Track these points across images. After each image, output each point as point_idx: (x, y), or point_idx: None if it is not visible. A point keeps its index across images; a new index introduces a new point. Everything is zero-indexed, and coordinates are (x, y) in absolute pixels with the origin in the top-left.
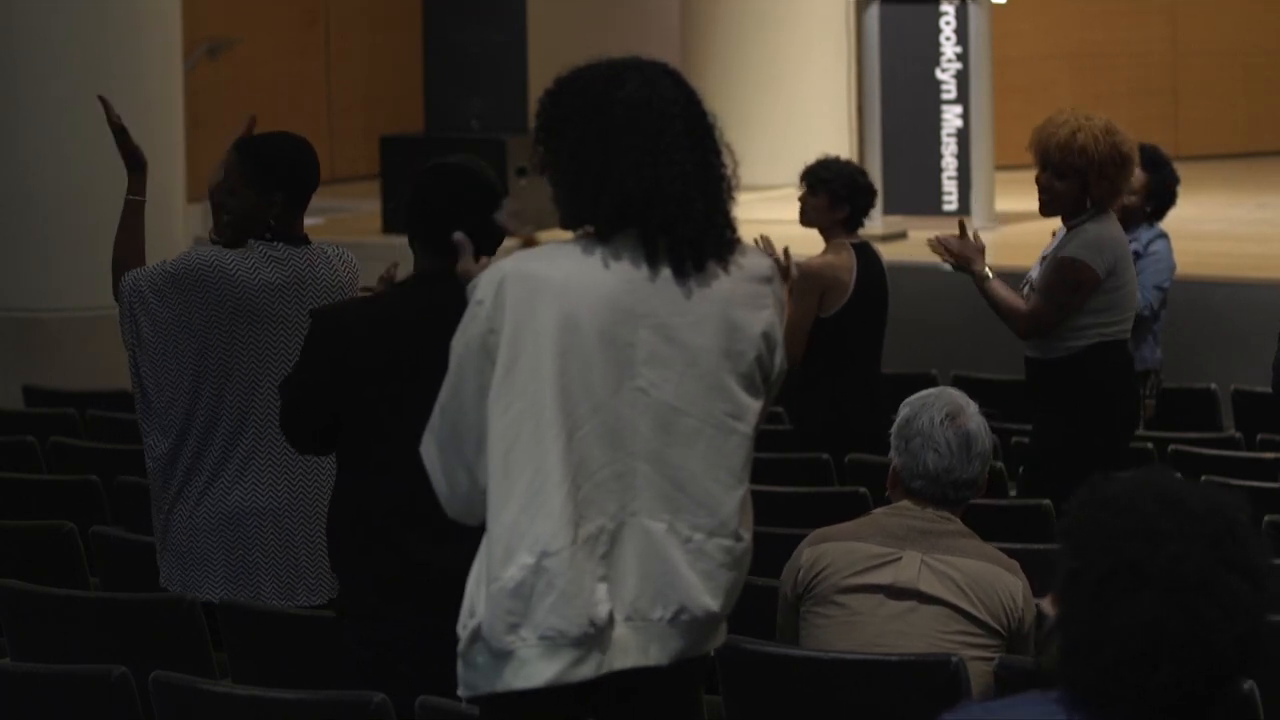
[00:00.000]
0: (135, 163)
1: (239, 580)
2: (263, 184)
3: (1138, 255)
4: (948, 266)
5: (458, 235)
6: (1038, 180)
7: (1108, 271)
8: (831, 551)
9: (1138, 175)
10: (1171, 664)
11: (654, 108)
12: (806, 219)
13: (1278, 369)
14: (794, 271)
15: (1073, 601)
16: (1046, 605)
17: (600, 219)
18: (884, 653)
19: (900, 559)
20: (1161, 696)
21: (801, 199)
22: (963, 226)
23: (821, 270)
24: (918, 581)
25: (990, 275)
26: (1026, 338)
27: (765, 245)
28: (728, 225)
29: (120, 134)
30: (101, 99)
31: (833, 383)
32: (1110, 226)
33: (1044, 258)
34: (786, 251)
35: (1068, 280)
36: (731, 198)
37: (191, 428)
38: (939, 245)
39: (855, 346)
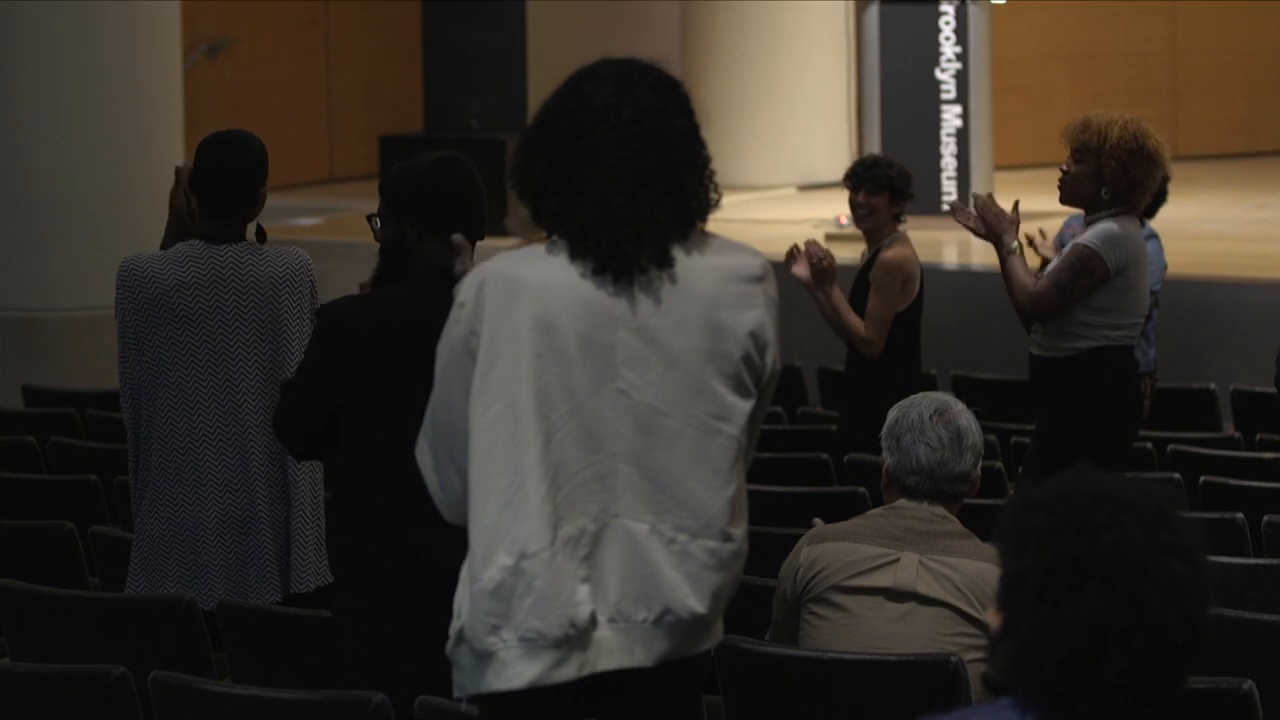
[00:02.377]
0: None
1: (192, 582)
2: (193, 181)
3: None
4: (951, 262)
5: (456, 237)
6: (1061, 167)
7: (1119, 269)
8: (830, 551)
9: None
10: (1123, 655)
11: (605, 116)
12: (871, 219)
13: None
14: (833, 266)
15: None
16: (991, 618)
17: (560, 231)
18: (883, 653)
19: (898, 560)
20: (1117, 691)
21: (861, 201)
22: (1016, 206)
23: (904, 262)
24: (916, 583)
25: (1017, 250)
26: (1024, 315)
27: (811, 248)
28: (681, 226)
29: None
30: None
31: (903, 378)
32: (1130, 226)
33: (1060, 246)
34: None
35: (1076, 266)
36: (705, 185)
37: (139, 431)
38: (984, 204)
39: (917, 340)
